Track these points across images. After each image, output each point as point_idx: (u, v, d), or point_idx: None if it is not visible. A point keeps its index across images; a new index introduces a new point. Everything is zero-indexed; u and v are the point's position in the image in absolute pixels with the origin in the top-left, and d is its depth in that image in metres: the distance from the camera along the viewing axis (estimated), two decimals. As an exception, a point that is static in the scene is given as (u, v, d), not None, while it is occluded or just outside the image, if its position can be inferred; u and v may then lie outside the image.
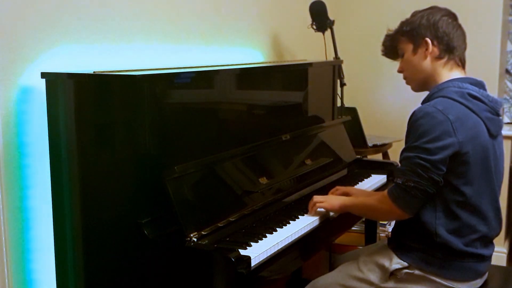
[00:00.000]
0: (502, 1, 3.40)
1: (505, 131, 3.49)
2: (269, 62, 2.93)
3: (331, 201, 2.04)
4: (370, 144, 3.09)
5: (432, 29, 1.89)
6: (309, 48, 3.44)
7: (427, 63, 1.91)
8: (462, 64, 1.94)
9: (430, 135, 1.75)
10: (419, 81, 1.96)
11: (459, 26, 1.93)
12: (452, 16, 1.94)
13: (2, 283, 1.82)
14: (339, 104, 3.02)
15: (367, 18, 3.40)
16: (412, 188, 1.77)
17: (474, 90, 1.84)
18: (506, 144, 3.44)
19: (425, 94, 1.96)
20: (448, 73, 1.90)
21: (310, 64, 2.67)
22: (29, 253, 1.90)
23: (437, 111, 1.76)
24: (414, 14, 1.96)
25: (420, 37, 1.90)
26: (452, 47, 1.90)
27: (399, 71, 2.01)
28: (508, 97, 3.82)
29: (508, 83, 3.82)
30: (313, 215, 2.02)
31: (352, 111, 3.04)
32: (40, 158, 1.88)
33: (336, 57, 3.10)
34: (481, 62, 3.43)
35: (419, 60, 1.92)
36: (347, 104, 3.13)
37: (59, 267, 1.90)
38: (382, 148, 3.17)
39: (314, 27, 3.10)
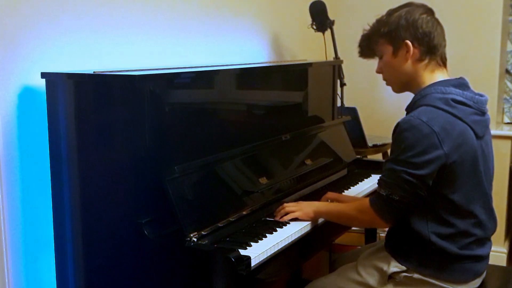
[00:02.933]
0: (502, 1, 3.40)
1: (505, 131, 3.51)
2: (269, 62, 2.93)
3: (305, 209, 1.98)
4: (370, 144, 3.09)
5: (412, 30, 1.83)
6: (309, 48, 3.44)
7: (408, 65, 1.86)
8: (443, 63, 1.90)
9: (416, 149, 1.71)
10: (400, 83, 1.92)
11: (438, 22, 1.88)
12: (431, 13, 1.88)
13: (2, 283, 1.82)
14: (339, 104, 3.02)
15: (367, 18, 3.39)
16: (396, 202, 1.75)
17: (458, 94, 1.80)
18: (506, 144, 3.45)
19: (408, 99, 1.92)
20: (430, 75, 1.86)
21: (310, 64, 2.67)
22: (29, 253, 1.90)
23: (422, 123, 1.72)
24: (391, 13, 1.89)
25: (400, 39, 1.84)
26: (433, 46, 1.85)
27: (378, 72, 1.96)
28: (508, 97, 3.82)
29: (508, 83, 3.82)
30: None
31: (352, 111, 3.04)
32: (40, 158, 1.88)
33: (336, 57, 3.10)
34: (481, 62, 3.43)
35: (400, 63, 1.87)
36: (347, 104, 3.13)
37: (59, 267, 1.90)
38: (382, 148, 3.17)
39: (314, 27, 3.10)
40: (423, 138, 1.71)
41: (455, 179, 1.76)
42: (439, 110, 1.76)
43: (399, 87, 1.94)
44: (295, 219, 1.97)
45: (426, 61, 1.86)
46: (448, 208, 1.78)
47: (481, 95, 1.87)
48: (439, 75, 1.88)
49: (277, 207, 2.08)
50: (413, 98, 1.88)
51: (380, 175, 1.82)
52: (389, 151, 3.23)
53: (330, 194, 2.22)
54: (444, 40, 1.89)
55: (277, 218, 1.98)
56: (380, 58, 1.94)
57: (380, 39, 1.90)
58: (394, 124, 1.82)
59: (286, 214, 1.98)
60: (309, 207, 2.00)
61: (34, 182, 1.89)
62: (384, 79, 1.96)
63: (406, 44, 1.84)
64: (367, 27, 1.96)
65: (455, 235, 1.80)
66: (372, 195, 1.85)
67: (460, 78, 1.88)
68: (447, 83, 1.84)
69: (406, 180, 1.73)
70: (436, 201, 1.78)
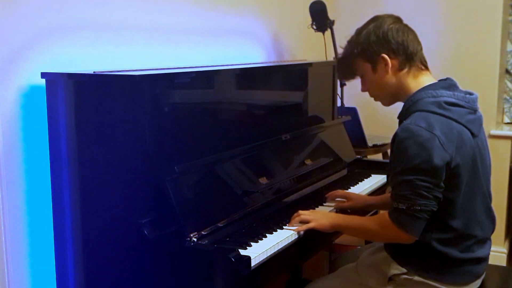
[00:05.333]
0: (502, 1, 3.40)
1: (505, 131, 3.51)
2: (269, 62, 2.93)
3: (320, 220, 1.90)
4: (370, 144, 3.09)
5: (385, 44, 1.83)
6: (309, 48, 3.44)
7: (390, 77, 1.85)
8: (425, 66, 1.88)
9: (422, 155, 1.68)
10: (388, 96, 1.91)
11: (409, 29, 1.87)
12: (399, 21, 1.88)
13: (2, 283, 1.82)
14: (339, 104, 3.02)
15: (367, 18, 3.40)
16: (419, 212, 1.71)
17: (450, 96, 1.78)
18: (506, 144, 3.45)
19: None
20: (415, 81, 1.85)
21: (310, 64, 2.67)
22: (29, 253, 1.90)
23: (421, 129, 1.70)
24: (359, 32, 1.89)
25: (375, 54, 1.84)
26: (410, 54, 1.84)
27: (363, 90, 1.95)
28: (508, 97, 3.82)
29: (508, 83, 3.82)
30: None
31: (352, 111, 3.04)
32: (40, 158, 1.88)
33: (336, 57, 3.10)
34: (481, 62, 3.43)
35: (381, 76, 1.86)
36: (347, 104, 3.13)
37: (59, 267, 1.90)
38: (382, 148, 3.17)
39: (314, 27, 3.10)
40: (425, 143, 1.69)
41: (459, 182, 1.75)
42: (434, 114, 1.74)
43: (388, 100, 1.93)
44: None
45: (407, 69, 1.85)
46: (452, 211, 1.76)
47: (471, 93, 1.85)
48: (424, 79, 1.86)
49: (277, 207, 2.08)
50: (404, 105, 1.86)
51: (393, 191, 1.77)
52: (389, 151, 3.23)
53: (339, 192, 2.22)
54: (419, 44, 1.88)
55: (291, 228, 1.90)
56: (361, 77, 1.93)
57: (356, 60, 1.90)
58: (395, 124, 1.81)
59: (301, 222, 1.91)
60: (325, 218, 1.92)
61: (35, 182, 1.89)
62: (371, 96, 1.95)
63: (383, 58, 1.84)
64: (341, 50, 1.96)
65: (456, 238, 1.79)
66: (390, 211, 1.77)
67: (448, 79, 1.87)
68: (436, 86, 1.82)
69: (422, 186, 1.69)
70: (441, 205, 1.74)
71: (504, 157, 3.46)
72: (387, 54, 1.83)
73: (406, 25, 1.88)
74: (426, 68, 1.89)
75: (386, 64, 1.84)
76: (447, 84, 1.84)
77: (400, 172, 1.73)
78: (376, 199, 2.25)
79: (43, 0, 1.87)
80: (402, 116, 1.85)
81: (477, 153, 1.81)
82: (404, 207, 1.72)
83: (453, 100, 1.78)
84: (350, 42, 1.92)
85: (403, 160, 1.72)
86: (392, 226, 1.76)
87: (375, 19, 1.90)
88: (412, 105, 1.81)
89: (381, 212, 1.90)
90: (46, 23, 1.89)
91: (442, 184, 1.72)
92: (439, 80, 1.87)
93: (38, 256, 1.93)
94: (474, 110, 1.83)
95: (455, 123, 1.75)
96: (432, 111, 1.75)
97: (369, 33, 1.86)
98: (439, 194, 1.71)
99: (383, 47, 1.84)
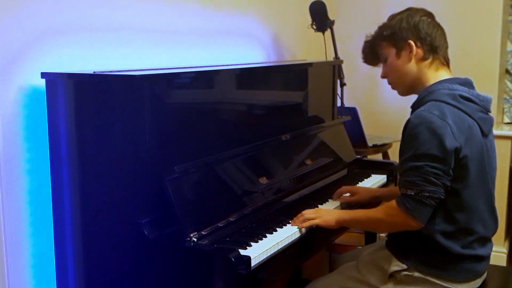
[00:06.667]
0: (502, 1, 3.40)
1: (505, 131, 3.50)
2: (269, 62, 2.93)
3: (325, 216, 1.92)
4: (370, 144, 3.09)
5: (414, 31, 1.87)
6: (309, 48, 3.44)
7: (412, 65, 1.89)
8: (447, 63, 1.92)
9: (433, 141, 1.71)
10: (405, 84, 1.93)
11: (439, 25, 1.92)
12: (431, 16, 1.93)
13: (2, 283, 1.82)
14: (339, 104, 3.02)
15: (367, 18, 3.40)
16: (427, 198, 1.73)
17: (465, 91, 1.82)
18: (506, 144, 3.45)
19: (408, 98, 1.94)
20: (434, 74, 1.89)
21: (310, 64, 2.67)
22: (29, 253, 1.90)
23: (434, 116, 1.73)
24: (392, 18, 1.94)
25: (403, 40, 1.88)
26: (435, 46, 1.88)
27: (383, 76, 1.99)
28: (508, 97, 3.82)
29: (508, 83, 3.82)
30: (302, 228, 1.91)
31: (352, 111, 3.04)
32: (40, 158, 1.88)
33: (336, 57, 3.10)
34: (481, 62, 3.43)
35: (404, 63, 1.89)
36: (347, 104, 3.13)
37: (59, 267, 1.90)
38: (382, 148, 3.16)
39: (314, 27, 3.10)
40: (437, 129, 1.72)
41: (466, 174, 1.77)
42: (448, 105, 1.78)
43: (404, 89, 1.96)
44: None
45: (430, 59, 1.89)
46: (457, 204, 1.79)
47: (486, 95, 1.89)
48: (444, 74, 1.90)
49: (277, 207, 2.08)
50: (419, 96, 1.89)
51: (401, 178, 1.78)
52: (389, 151, 3.23)
53: (344, 188, 2.23)
54: (445, 42, 1.92)
55: (294, 225, 1.91)
56: (384, 62, 1.96)
57: (383, 42, 1.94)
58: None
59: (305, 221, 1.92)
60: (329, 215, 1.94)
61: (34, 182, 1.89)
62: (389, 83, 1.98)
63: (409, 44, 1.87)
64: (369, 34, 2.00)
65: (459, 232, 1.80)
66: (398, 197, 1.79)
67: (466, 78, 1.90)
68: (453, 81, 1.86)
69: (431, 173, 1.72)
70: (447, 196, 1.76)
71: (504, 157, 3.45)
72: (414, 42, 1.87)
73: (437, 23, 1.93)
74: (448, 65, 1.93)
75: (411, 51, 1.88)
76: (464, 81, 1.88)
77: (410, 157, 1.75)
78: (382, 191, 2.28)
79: (43, 1, 1.87)
80: (415, 106, 1.87)
81: (485, 153, 1.84)
82: (413, 193, 1.74)
83: (467, 95, 1.82)
84: (381, 26, 1.96)
85: (414, 145, 1.74)
86: (399, 213, 1.77)
87: (409, 9, 1.95)
88: (427, 95, 1.84)
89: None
90: (47, 23, 1.89)
91: (451, 172, 1.74)
92: (457, 77, 1.91)
93: (38, 256, 1.93)
94: (487, 111, 1.87)
95: (467, 116, 1.79)
96: (446, 102, 1.78)
97: (401, 19, 1.91)
98: (447, 182, 1.74)
99: (412, 34, 1.88)
